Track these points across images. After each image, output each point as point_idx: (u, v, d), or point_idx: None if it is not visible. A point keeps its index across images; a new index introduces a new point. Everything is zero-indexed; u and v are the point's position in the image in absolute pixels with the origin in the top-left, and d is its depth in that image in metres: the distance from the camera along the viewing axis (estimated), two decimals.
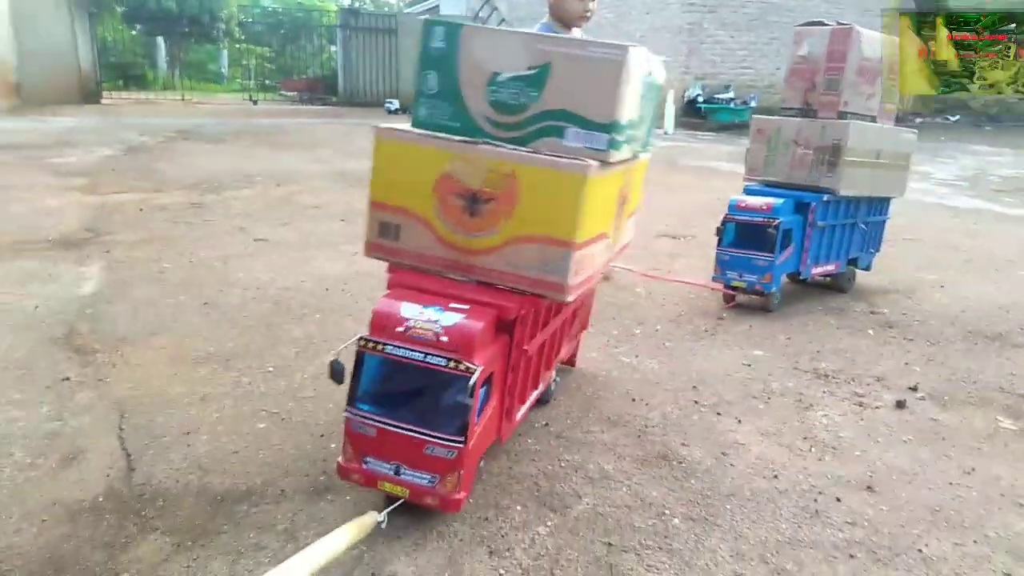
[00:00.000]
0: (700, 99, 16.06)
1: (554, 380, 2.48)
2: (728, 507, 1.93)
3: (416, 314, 1.71)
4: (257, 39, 28.53)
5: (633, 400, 2.58)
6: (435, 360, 1.65)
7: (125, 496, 1.89)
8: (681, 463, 2.15)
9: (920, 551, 1.77)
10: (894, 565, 1.71)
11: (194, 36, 27.02)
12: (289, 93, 23.55)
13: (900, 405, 2.63)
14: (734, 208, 3.55)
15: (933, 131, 14.12)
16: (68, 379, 2.57)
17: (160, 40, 26.30)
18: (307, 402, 2.45)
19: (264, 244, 4.66)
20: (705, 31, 16.57)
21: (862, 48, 3.45)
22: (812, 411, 2.56)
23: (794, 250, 3.60)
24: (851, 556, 1.74)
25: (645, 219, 5.70)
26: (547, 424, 2.35)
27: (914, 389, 2.77)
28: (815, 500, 1.98)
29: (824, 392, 2.73)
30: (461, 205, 1.82)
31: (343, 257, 4.30)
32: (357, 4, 30.42)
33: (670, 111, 14.19)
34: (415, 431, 1.68)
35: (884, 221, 4.14)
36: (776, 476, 2.10)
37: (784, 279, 3.78)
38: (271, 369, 2.72)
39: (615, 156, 1.82)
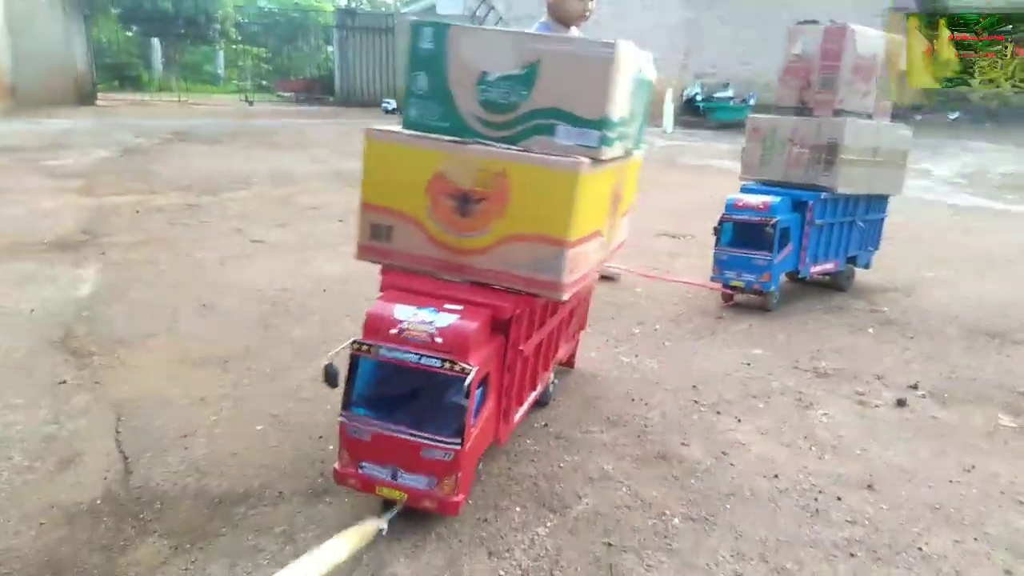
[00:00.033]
0: (699, 97, 16.06)
1: (552, 382, 2.47)
2: (728, 506, 1.93)
3: (410, 316, 1.69)
4: (253, 40, 28.49)
5: (632, 400, 2.57)
6: (430, 361, 1.63)
7: (123, 499, 1.88)
8: (681, 463, 2.15)
9: (920, 549, 1.76)
10: (894, 563, 1.71)
11: (190, 37, 26.97)
12: (286, 94, 23.52)
13: (900, 403, 2.63)
14: (731, 207, 3.54)
15: (933, 128, 14.12)
16: (65, 382, 2.56)
17: (156, 41, 26.23)
18: (305, 404, 2.44)
19: (261, 245, 4.65)
20: (704, 29, 16.58)
21: (857, 46, 3.45)
22: (812, 410, 2.56)
23: (792, 249, 3.60)
24: (851, 555, 1.74)
25: (644, 218, 5.73)
26: (546, 424, 2.35)
27: (914, 387, 2.77)
28: (815, 499, 1.98)
29: (824, 391, 2.72)
30: (453, 205, 1.81)
31: (341, 258, 4.29)
32: (353, 4, 30.37)
33: (669, 110, 14.20)
34: (411, 434, 1.66)
35: (882, 219, 4.14)
36: (776, 475, 2.10)
37: (783, 278, 3.77)
38: (269, 371, 2.71)
39: (607, 153, 1.81)
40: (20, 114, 13.20)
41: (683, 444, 2.26)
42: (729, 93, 15.86)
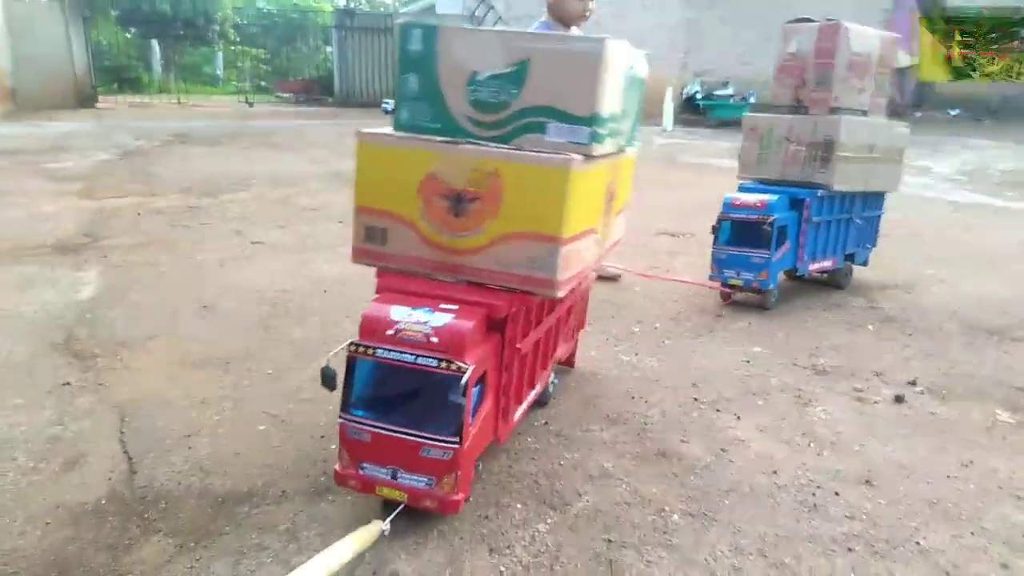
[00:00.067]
0: (699, 96, 16.08)
1: (552, 381, 2.48)
2: (727, 502, 1.94)
3: (405, 316, 1.70)
4: (252, 41, 28.53)
5: (632, 398, 2.59)
6: (426, 361, 1.64)
7: (127, 499, 1.90)
8: (681, 460, 2.16)
9: (918, 543, 1.78)
10: (892, 558, 1.72)
11: (189, 39, 26.99)
12: (285, 95, 23.54)
13: (899, 399, 2.64)
14: (729, 206, 3.55)
15: (933, 125, 14.13)
16: (68, 384, 2.57)
17: (155, 43, 26.26)
18: (306, 404, 2.45)
19: (261, 247, 4.66)
20: (704, 28, 16.59)
21: (851, 43, 3.46)
22: (811, 407, 2.57)
23: (790, 247, 3.61)
24: (849, 549, 1.75)
25: (644, 217, 5.74)
26: (547, 423, 2.36)
27: (913, 384, 2.78)
28: (814, 495, 1.99)
29: (823, 388, 2.74)
30: (446, 206, 1.82)
31: (341, 259, 4.30)
32: (352, 4, 30.38)
33: (669, 108, 14.21)
34: (410, 434, 1.67)
35: (879, 216, 4.15)
36: (775, 471, 2.11)
37: (782, 277, 3.79)
38: (270, 371, 2.73)
39: (598, 149, 1.82)
40: (20, 117, 13.23)
41: (683, 441, 2.28)
42: (729, 91, 15.87)
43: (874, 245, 4.18)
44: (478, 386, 1.75)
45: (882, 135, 3.75)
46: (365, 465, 1.72)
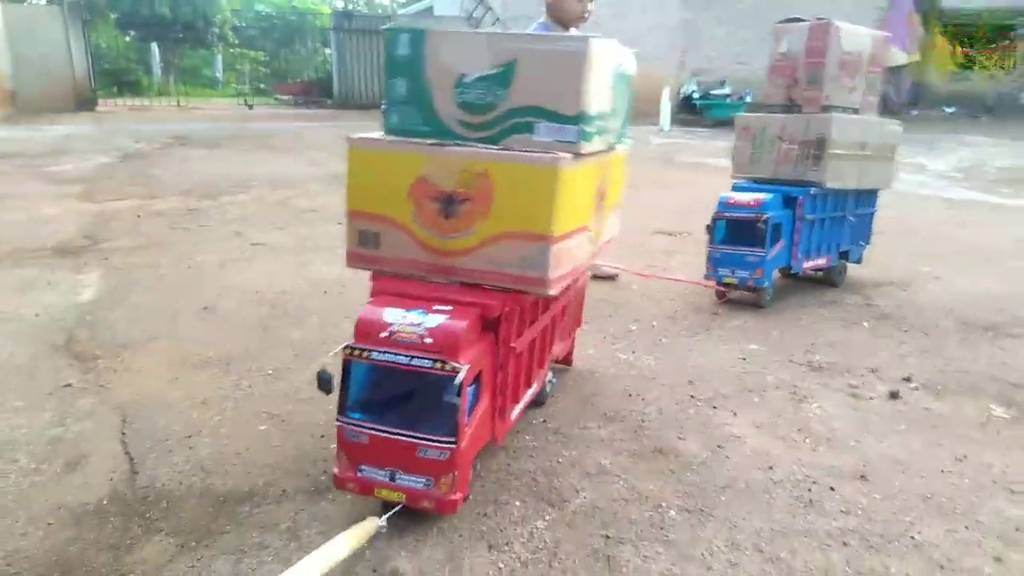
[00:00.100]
0: (696, 95, 16.11)
1: (550, 382, 2.50)
2: (723, 498, 1.96)
3: (399, 318, 1.71)
4: (251, 43, 28.56)
5: (630, 396, 2.61)
6: (421, 362, 1.65)
7: (129, 499, 1.92)
8: (677, 457, 2.18)
9: (912, 538, 1.80)
10: (887, 552, 1.74)
11: (188, 41, 27.02)
12: (284, 97, 23.56)
13: (894, 396, 2.66)
14: (723, 205, 3.57)
15: (929, 123, 14.16)
16: (70, 385, 2.59)
17: (154, 46, 26.29)
18: (306, 404, 2.47)
19: (261, 248, 4.68)
20: (701, 29, 16.63)
21: (842, 42, 3.48)
22: (807, 403, 2.59)
23: (784, 245, 3.62)
24: (844, 544, 1.77)
25: (641, 216, 5.76)
26: (545, 421, 2.38)
27: (908, 380, 2.80)
28: (809, 490, 2.01)
29: (819, 384, 2.75)
30: (437, 208, 1.83)
31: (339, 260, 4.26)
32: (351, 6, 30.42)
33: (666, 108, 14.24)
34: (407, 435, 1.69)
35: (872, 213, 4.16)
36: (771, 467, 2.13)
37: (777, 275, 3.80)
38: (270, 372, 2.74)
39: (587, 147, 1.83)
40: (20, 121, 13.25)
41: (679, 438, 2.30)
42: (726, 91, 15.91)
43: (868, 243, 4.19)
44: (473, 386, 1.76)
45: (874, 133, 3.77)
46: (363, 467, 1.73)
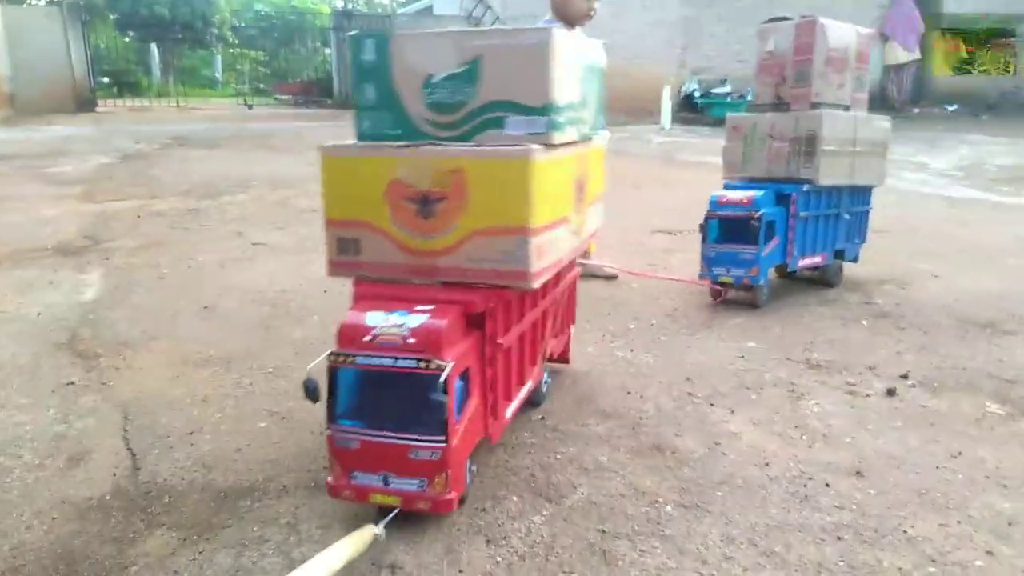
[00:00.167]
0: (697, 94, 16.11)
1: (545, 382, 2.51)
2: (719, 494, 1.98)
3: (381, 321, 1.71)
4: (251, 43, 28.56)
5: (628, 393, 2.63)
6: (405, 363, 1.64)
7: (132, 494, 1.94)
8: (674, 453, 2.20)
9: (905, 532, 1.81)
10: (880, 545, 1.76)
11: (187, 42, 27.03)
12: (284, 97, 23.56)
13: (890, 393, 2.68)
14: (715, 204, 3.58)
15: (931, 121, 14.17)
16: (72, 383, 2.62)
17: (153, 47, 26.31)
18: (306, 402, 2.47)
19: (261, 248, 4.71)
20: (702, 26, 16.62)
21: (828, 39, 3.50)
22: (804, 400, 2.61)
23: (779, 242, 3.62)
24: (838, 538, 1.79)
25: (642, 215, 5.78)
26: (543, 418, 2.40)
27: (905, 377, 2.82)
28: (804, 485, 2.03)
29: (816, 382, 2.77)
30: (414, 208, 1.83)
31: None
32: (351, 6, 30.45)
33: (667, 106, 14.24)
34: (397, 437, 1.68)
35: (867, 211, 4.17)
36: (767, 463, 2.15)
37: (773, 275, 3.81)
38: (271, 370, 2.77)
39: (558, 138, 1.84)
40: (19, 122, 13.26)
41: (677, 435, 2.31)
42: (727, 89, 15.91)
43: (863, 240, 4.20)
44: (461, 383, 1.75)
45: (864, 129, 3.78)
46: (356, 474, 1.73)
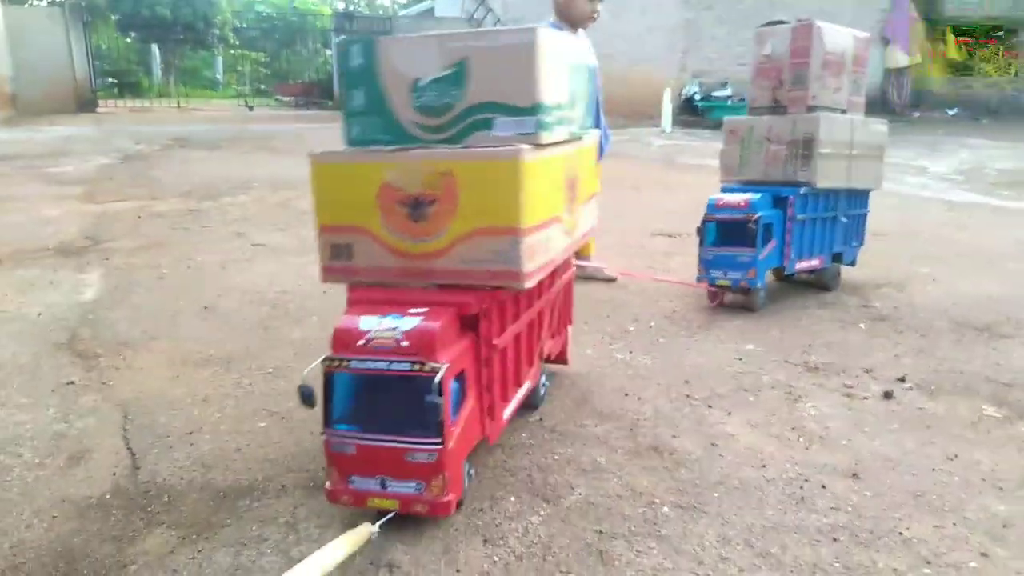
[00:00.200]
0: (697, 97, 16.14)
1: (543, 384, 2.51)
2: (716, 495, 1.99)
3: (375, 325, 1.71)
4: (252, 44, 28.62)
5: (626, 395, 2.64)
6: (399, 366, 1.64)
7: (131, 493, 1.95)
8: (672, 454, 2.21)
9: (901, 534, 1.82)
10: (875, 547, 1.77)
11: (188, 43, 27.10)
12: (284, 98, 23.61)
13: (888, 395, 2.68)
14: (713, 207, 3.59)
15: (931, 125, 14.20)
16: (72, 383, 2.63)
17: (155, 47, 26.36)
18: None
19: (262, 249, 4.72)
20: (702, 29, 16.65)
21: (825, 42, 3.51)
22: (801, 403, 2.62)
23: (776, 245, 3.63)
24: (834, 539, 1.80)
25: (642, 218, 5.79)
26: (541, 419, 2.41)
27: (902, 380, 2.83)
28: (801, 487, 2.04)
29: (814, 384, 2.78)
30: (405, 212, 1.83)
31: None
32: (352, 7, 30.48)
33: (668, 109, 14.27)
34: (393, 441, 1.68)
35: (865, 214, 4.18)
36: (764, 465, 2.16)
37: (771, 278, 3.81)
38: (271, 370, 2.78)
39: (547, 137, 1.85)
40: (21, 123, 13.29)
41: (674, 437, 2.32)
42: (728, 92, 15.94)
43: (861, 244, 4.20)
44: (456, 385, 1.75)
45: (861, 132, 3.79)
46: (354, 478, 1.73)
